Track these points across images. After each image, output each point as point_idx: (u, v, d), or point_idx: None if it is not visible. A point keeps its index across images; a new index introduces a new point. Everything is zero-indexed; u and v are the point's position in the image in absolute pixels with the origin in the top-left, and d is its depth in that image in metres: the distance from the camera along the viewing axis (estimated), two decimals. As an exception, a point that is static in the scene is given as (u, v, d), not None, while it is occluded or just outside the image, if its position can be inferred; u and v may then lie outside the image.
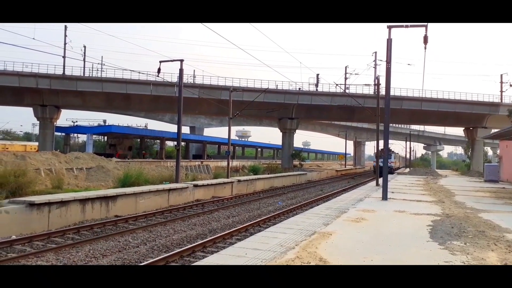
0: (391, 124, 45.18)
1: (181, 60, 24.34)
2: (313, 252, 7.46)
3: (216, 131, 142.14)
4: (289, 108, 55.32)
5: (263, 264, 6.57)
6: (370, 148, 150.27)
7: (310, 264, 6.61)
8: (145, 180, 22.44)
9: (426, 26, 18.23)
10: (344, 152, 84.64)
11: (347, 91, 52.43)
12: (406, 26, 17.98)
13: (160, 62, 24.90)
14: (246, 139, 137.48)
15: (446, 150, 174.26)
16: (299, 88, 54.81)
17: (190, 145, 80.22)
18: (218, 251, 9.12)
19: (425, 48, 19.63)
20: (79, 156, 34.73)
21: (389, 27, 18.03)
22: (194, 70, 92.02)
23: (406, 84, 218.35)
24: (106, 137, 69.82)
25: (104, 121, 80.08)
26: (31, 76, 48.80)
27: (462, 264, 6.99)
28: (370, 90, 54.90)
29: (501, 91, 61.05)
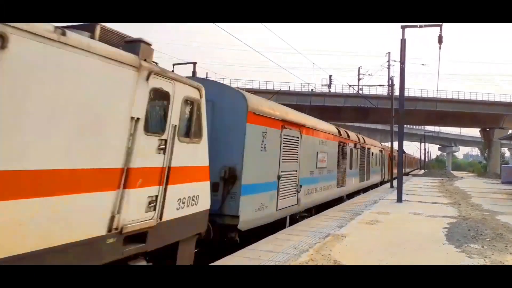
0: (405, 125, 42.83)
1: (194, 63, 24.45)
2: (327, 254, 7.41)
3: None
4: (302, 110, 55.10)
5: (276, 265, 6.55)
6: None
7: (323, 264, 6.57)
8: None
9: (440, 26, 18.05)
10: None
11: (360, 92, 52.11)
12: (420, 26, 17.81)
13: (174, 65, 25.10)
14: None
15: (462, 151, 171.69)
16: (312, 90, 54.69)
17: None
18: (231, 253, 9.12)
19: (440, 48, 19.46)
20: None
21: (403, 27, 17.88)
22: (206, 73, 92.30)
23: (420, 84, 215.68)
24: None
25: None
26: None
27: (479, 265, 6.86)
28: (384, 91, 54.45)
29: (519, 91, 59.93)
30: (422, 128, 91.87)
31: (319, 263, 6.76)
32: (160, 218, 5.41)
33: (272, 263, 6.71)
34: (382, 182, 29.88)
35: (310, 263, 6.75)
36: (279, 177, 9.87)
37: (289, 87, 55.14)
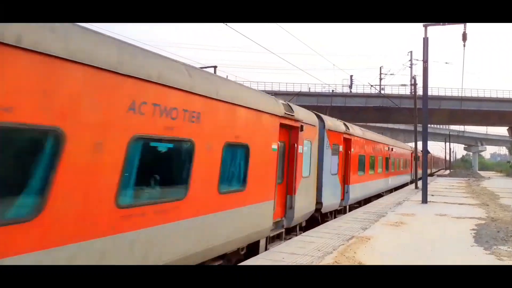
0: (429, 125, 41.58)
1: (215, 67, 24.64)
2: (351, 257, 7.33)
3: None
4: (323, 111, 54.70)
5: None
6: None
7: (347, 265, 6.50)
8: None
9: (464, 23, 17.67)
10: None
11: (382, 92, 51.40)
12: (443, 24, 17.46)
13: (194, 68, 25.33)
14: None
15: (489, 151, 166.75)
16: (333, 90, 54.28)
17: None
18: (254, 255, 9.13)
19: (464, 45, 19.09)
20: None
21: (425, 26, 17.56)
22: (227, 76, 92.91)
23: (444, 83, 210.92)
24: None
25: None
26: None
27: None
28: (406, 91, 53.60)
29: (548, 88, 57.98)
30: (447, 127, 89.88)
31: (344, 266, 6.69)
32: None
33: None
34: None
35: (335, 266, 6.69)
36: None
37: (309, 88, 54.84)
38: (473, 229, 10.55)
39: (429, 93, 22.48)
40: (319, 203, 11.54)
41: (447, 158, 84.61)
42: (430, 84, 19.01)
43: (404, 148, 29.76)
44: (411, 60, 61.97)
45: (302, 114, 10.21)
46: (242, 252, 7.65)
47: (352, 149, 14.73)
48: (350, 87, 57.95)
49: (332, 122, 13.07)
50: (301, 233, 10.08)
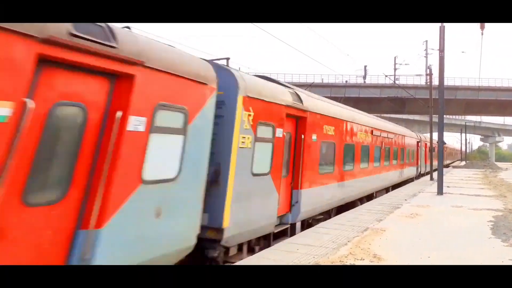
0: (444, 116, 40.67)
1: (227, 58, 24.59)
2: (366, 248, 7.31)
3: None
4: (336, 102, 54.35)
5: (315, 261, 6.52)
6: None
7: (347, 265, 6.48)
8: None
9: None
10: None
11: (396, 82, 50.74)
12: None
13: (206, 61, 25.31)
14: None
15: (506, 142, 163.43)
16: (346, 81, 53.81)
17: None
18: (269, 246, 9.15)
19: (482, 33, 18.71)
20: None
21: (442, 14, 17.23)
22: (239, 68, 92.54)
23: (460, 73, 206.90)
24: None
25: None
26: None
27: (530, 262, 6.55)
28: (421, 81, 52.83)
29: None
30: (463, 118, 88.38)
31: (359, 257, 6.67)
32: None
33: (311, 257, 6.69)
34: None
35: (350, 257, 6.68)
36: None
37: (323, 79, 54.38)
38: (491, 221, 10.40)
39: (445, 83, 22.02)
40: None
41: (463, 149, 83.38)
42: (445, 74, 18.68)
43: (406, 135, 23.55)
44: (426, 49, 61.06)
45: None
46: None
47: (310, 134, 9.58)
48: (364, 77, 57.37)
49: (256, 83, 7.83)
50: None
